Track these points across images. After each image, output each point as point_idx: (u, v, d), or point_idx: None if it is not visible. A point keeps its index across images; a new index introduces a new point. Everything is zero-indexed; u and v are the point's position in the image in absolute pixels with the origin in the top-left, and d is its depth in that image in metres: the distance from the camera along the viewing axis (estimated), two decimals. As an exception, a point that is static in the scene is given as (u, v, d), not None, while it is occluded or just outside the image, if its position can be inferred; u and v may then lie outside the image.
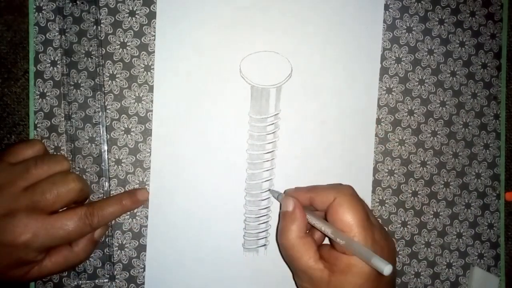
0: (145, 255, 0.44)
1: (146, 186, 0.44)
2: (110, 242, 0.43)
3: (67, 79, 0.43)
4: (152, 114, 0.44)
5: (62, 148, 0.43)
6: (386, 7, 0.46)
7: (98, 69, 0.43)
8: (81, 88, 0.43)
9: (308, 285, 0.38)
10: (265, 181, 0.45)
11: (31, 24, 0.43)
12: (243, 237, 0.45)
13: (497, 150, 0.47)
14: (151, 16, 0.44)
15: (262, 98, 0.44)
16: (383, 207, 0.46)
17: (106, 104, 0.44)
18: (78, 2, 0.43)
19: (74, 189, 0.38)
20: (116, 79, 0.44)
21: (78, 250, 0.39)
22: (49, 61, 0.43)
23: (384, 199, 0.46)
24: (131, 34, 0.44)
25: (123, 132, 0.44)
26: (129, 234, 0.44)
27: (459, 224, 0.47)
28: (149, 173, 0.44)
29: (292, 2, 0.45)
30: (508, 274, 0.47)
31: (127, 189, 0.44)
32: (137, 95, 0.44)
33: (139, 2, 0.44)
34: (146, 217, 0.44)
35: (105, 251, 0.43)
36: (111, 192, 0.44)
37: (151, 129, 0.44)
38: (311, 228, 0.41)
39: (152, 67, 0.44)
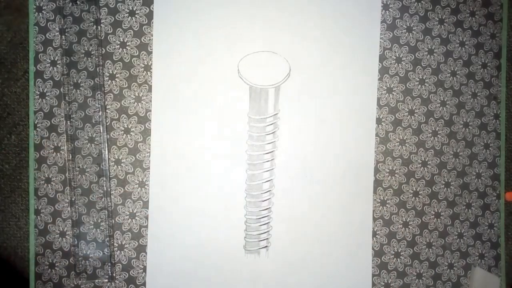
0: (144, 256, 0.44)
1: (145, 187, 0.44)
2: (110, 243, 0.43)
3: (67, 79, 0.43)
4: (151, 114, 0.44)
5: (62, 148, 0.43)
6: (386, 7, 0.46)
7: (97, 68, 0.43)
8: (80, 88, 0.43)
9: None
10: (266, 181, 0.44)
11: (31, 24, 0.43)
12: (244, 238, 0.45)
13: (497, 150, 0.47)
14: (151, 16, 0.44)
15: (261, 98, 0.44)
16: (384, 207, 0.46)
17: (105, 104, 0.44)
18: (78, 2, 0.43)
19: None
20: (116, 79, 0.44)
21: None
22: (49, 61, 0.43)
23: (385, 199, 0.46)
24: (130, 34, 0.44)
25: (122, 132, 0.44)
26: (128, 234, 0.44)
27: (460, 224, 0.47)
28: (149, 173, 0.44)
29: (290, 3, 0.45)
30: (508, 274, 0.47)
31: (126, 189, 0.44)
32: (136, 95, 0.44)
33: (139, 2, 0.44)
34: (146, 217, 0.44)
35: (104, 252, 0.43)
36: (111, 192, 0.44)
37: (150, 129, 0.44)
38: None
39: (151, 67, 0.44)
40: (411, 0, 0.46)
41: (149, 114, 0.44)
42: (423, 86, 0.46)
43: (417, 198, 0.46)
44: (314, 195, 0.45)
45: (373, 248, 0.46)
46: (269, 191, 0.45)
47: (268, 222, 0.45)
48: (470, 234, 0.47)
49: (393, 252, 0.46)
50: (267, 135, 0.44)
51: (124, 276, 0.44)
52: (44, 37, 0.43)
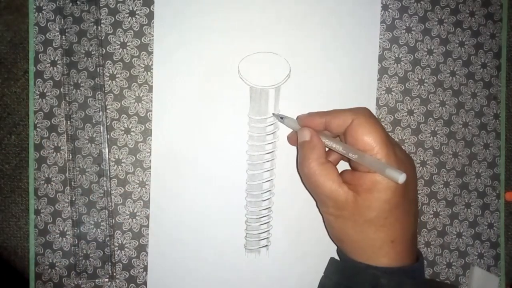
0: (145, 255, 0.44)
1: (146, 186, 0.44)
2: (110, 242, 0.43)
3: (67, 79, 0.43)
4: (152, 114, 0.44)
5: (62, 148, 0.43)
6: (386, 7, 0.46)
7: (98, 69, 0.43)
8: (81, 88, 0.43)
9: (334, 210, 0.38)
10: (266, 181, 0.45)
11: (31, 24, 0.43)
12: (245, 238, 0.45)
13: (497, 150, 0.47)
14: (151, 16, 0.44)
15: (261, 99, 0.44)
16: (383, 207, 0.46)
17: (106, 104, 0.44)
18: (78, 2, 0.43)
19: None
20: (116, 79, 0.44)
21: None
22: (49, 61, 0.43)
23: (384, 199, 0.46)
24: (131, 34, 0.44)
25: (123, 132, 0.44)
26: (129, 234, 0.44)
27: (459, 223, 0.47)
28: (149, 173, 0.44)
29: (290, 3, 0.45)
30: (508, 273, 0.47)
31: (127, 189, 0.44)
32: (137, 95, 0.44)
33: (139, 2, 0.44)
34: (146, 217, 0.44)
35: (105, 251, 0.43)
36: (111, 192, 0.44)
37: (151, 129, 0.44)
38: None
39: (152, 67, 0.44)
40: (410, 0, 0.46)
41: (149, 114, 0.44)
42: (422, 86, 0.46)
43: (416, 197, 0.46)
44: (314, 195, 0.45)
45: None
46: (269, 190, 0.45)
47: (269, 222, 0.45)
48: (469, 234, 0.47)
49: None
50: (267, 135, 0.44)
51: (125, 276, 0.44)
52: (44, 37, 0.43)
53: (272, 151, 0.45)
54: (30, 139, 0.43)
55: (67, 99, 0.43)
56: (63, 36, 0.43)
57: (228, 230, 0.44)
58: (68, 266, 0.44)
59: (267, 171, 0.45)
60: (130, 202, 0.44)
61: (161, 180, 0.44)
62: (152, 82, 0.44)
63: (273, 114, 0.44)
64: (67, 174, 0.43)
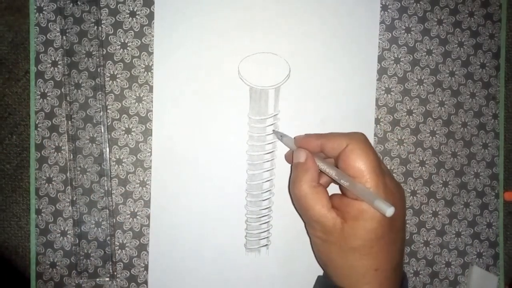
0: (145, 254, 0.44)
1: (146, 186, 0.44)
2: (111, 242, 0.44)
3: (68, 79, 0.43)
4: (152, 114, 0.44)
5: (63, 148, 0.44)
6: (385, 8, 0.46)
7: (98, 69, 0.43)
8: (82, 88, 0.43)
9: (321, 234, 0.38)
10: (266, 181, 0.45)
11: (32, 24, 0.43)
12: (245, 237, 0.45)
13: (496, 150, 0.47)
14: (152, 16, 0.44)
15: (261, 99, 0.44)
16: (382, 206, 0.46)
17: (106, 104, 0.44)
18: (78, 2, 0.43)
19: None
20: (117, 79, 0.44)
21: None
22: (50, 61, 0.43)
23: (383, 198, 0.46)
24: (131, 35, 0.44)
25: (123, 132, 0.44)
26: (129, 233, 0.44)
27: (458, 223, 0.47)
28: (150, 173, 0.44)
29: (290, 4, 0.45)
30: (507, 273, 0.48)
31: (128, 189, 0.44)
32: (137, 95, 0.44)
33: (140, 3, 0.44)
34: (147, 216, 0.44)
35: (106, 250, 0.44)
36: (112, 192, 0.44)
37: (151, 129, 0.44)
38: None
39: (152, 67, 0.44)
40: (410, 0, 0.46)
41: (150, 114, 0.44)
42: (421, 86, 0.46)
43: (415, 197, 0.46)
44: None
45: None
46: (269, 190, 0.45)
47: (269, 221, 0.45)
48: (468, 233, 0.47)
49: (392, 251, 0.46)
50: (267, 136, 0.45)
51: (126, 275, 0.44)
52: (45, 37, 0.43)
53: (272, 151, 0.45)
54: (31, 139, 0.44)
55: (68, 99, 0.43)
56: (64, 37, 0.43)
57: (228, 229, 0.45)
58: (69, 266, 0.44)
59: (267, 171, 0.45)
60: (131, 202, 0.44)
61: (161, 180, 0.44)
62: (152, 83, 0.44)
63: (273, 131, 0.44)
64: (68, 174, 0.44)
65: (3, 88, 0.45)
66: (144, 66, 0.44)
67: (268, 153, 0.45)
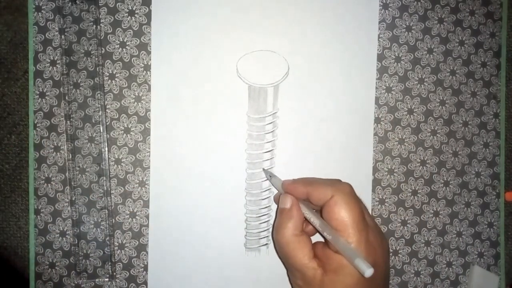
0: (145, 255, 0.44)
1: (146, 186, 0.44)
2: (110, 242, 0.43)
3: (66, 79, 0.43)
4: (151, 114, 0.44)
5: (62, 147, 0.43)
6: (386, 6, 0.46)
7: (97, 68, 0.43)
8: (80, 88, 0.43)
9: (301, 282, 0.38)
10: (265, 180, 0.45)
11: (31, 23, 0.43)
12: (245, 236, 0.45)
13: (497, 149, 0.47)
14: (150, 15, 0.44)
15: (260, 97, 0.44)
16: (383, 206, 0.46)
17: (105, 104, 0.44)
18: (77, 1, 0.43)
19: None
20: (116, 79, 0.44)
21: None
22: (49, 60, 0.43)
23: (384, 198, 0.46)
24: (130, 34, 0.44)
25: (122, 131, 0.44)
26: (129, 233, 0.44)
27: (459, 223, 0.47)
28: (149, 173, 0.44)
29: (288, 1, 0.45)
30: (508, 273, 0.47)
31: (127, 189, 0.44)
32: (136, 94, 0.44)
33: (138, 2, 0.44)
34: (146, 216, 0.44)
35: (105, 251, 0.43)
36: (111, 192, 0.44)
37: (150, 129, 0.44)
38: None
39: (151, 66, 0.44)
40: (410, -1, 0.46)
41: (149, 114, 0.44)
42: (422, 85, 0.46)
43: (415, 197, 0.46)
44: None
45: (372, 247, 0.46)
46: (268, 189, 0.45)
47: (268, 220, 0.45)
48: (469, 233, 0.47)
49: (392, 250, 0.46)
50: (266, 134, 0.44)
51: (125, 275, 0.44)
52: (43, 36, 0.43)
53: (271, 150, 0.45)
54: (30, 139, 0.43)
55: (66, 98, 0.43)
56: (63, 36, 0.43)
57: (228, 229, 0.44)
58: (68, 266, 0.44)
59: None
60: (130, 202, 0.44)
61: (160, 180, 0.44)
62: (151, 82, 0.44)
63: (263, 169, 0.44)
64: (67, 173, 0.43)
65: (2, 88, 0.44)
66: (143, 65, 0.44)
67: (267, 151, 0.45)
